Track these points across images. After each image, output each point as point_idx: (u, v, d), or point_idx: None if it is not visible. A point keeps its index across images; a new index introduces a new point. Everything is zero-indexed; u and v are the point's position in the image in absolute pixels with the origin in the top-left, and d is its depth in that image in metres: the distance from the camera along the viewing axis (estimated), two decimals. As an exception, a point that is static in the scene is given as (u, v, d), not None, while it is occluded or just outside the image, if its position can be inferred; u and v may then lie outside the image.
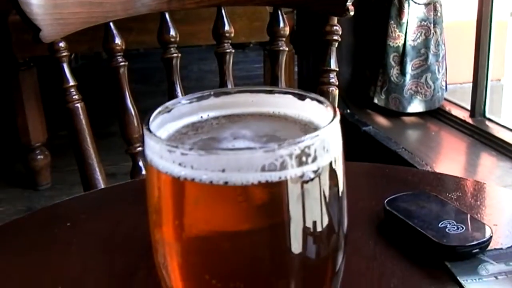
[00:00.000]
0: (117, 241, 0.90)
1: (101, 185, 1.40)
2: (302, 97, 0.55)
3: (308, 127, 0.54)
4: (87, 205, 1.05)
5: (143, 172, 1.48)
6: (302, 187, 0.47)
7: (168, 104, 0.55)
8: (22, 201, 3.44)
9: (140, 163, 1.49)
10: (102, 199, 1.07)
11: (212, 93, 0.56)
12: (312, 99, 0.54)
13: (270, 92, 0.57)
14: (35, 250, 0.89)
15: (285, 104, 0.56)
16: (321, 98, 0.54)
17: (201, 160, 0.45)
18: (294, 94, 0.55)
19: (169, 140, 0.52)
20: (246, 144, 0.51)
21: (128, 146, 1.48)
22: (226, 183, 0.45)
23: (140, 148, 1.48)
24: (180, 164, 0.46)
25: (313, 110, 0.54)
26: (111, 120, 3.65)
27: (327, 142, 0.48)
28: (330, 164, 0.49)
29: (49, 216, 1.00)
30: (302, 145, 0.46)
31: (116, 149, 3.23)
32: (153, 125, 0.51)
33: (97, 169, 1.41)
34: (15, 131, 3.42)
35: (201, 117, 0.56)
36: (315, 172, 0.47)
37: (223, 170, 0.45)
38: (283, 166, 0.45)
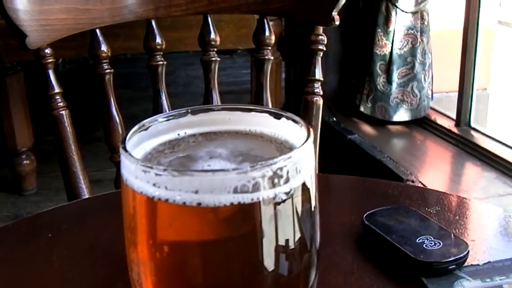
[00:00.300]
0: (98, 252, 0.90)
1: (85, 193, 1.40)
2: (278, 116, 0.56)
3: (284, 146, 0.54)
4: (69, 215, 1.05)
5: (127, 180, 1.48)
6: (274, 208, 0.47)
7: (145, 122, 0.55)
8: (7, 206, 3.43)
9: (124, 171, 1.48)
10: (84, 210, 1.08)
11: (189, 110, 0.57)
12: (288, 118, 0.55)
13: (247, 110, 0.57)
14: (16, 261, 0.89)
15: (262, 122, 0.56)
16: (297, 118, 0.54)
17: (175, 181, 0.45)
18: (270, 113, 0.56)
19: (144, 159, 0.53)
20: (221, 164, 0.51)
21: (112, 153, 1.49)
22: (199, 204, 0.45)
23: (124, 157, 1.48)
24: (154, 185, 0.46)
25: (288, 129, 0.55)
26: (98, 125, 3.63)
27: (300, 163, 0.48)
28: (303, 183, 0.49)
29: (31, 226, 1.00)
30: (275, 167, 0.46)
31: (102, 154, 3.21)
32: (129, 143, 0.52)
33: (81, 177, 1.41)
34: (1, 135, 3.41)
35: (178, 134, 0.56)
36: (287, 193, 0.47)
37: (196, 191, 0.45)
38: (255, 188, 0.46)
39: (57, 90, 1.39)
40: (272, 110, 0.56)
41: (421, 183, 2.78)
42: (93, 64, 1.45)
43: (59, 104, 1.39)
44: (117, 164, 1.48)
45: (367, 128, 3.50)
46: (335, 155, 3.30)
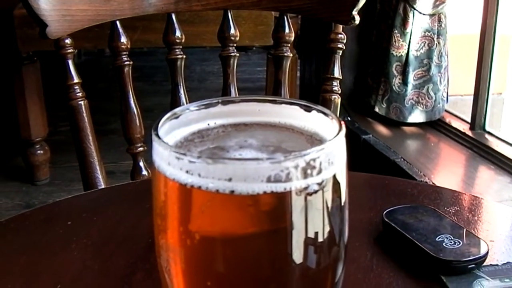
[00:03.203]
0: (117, 241, 0.91)
1: (101, 183, 1.41)
2: (308, 109, 0.56)
3: (314, 139, 0.54)
4: (88, 204, 1.05)
5: (143, 172, 1.49)
6: (306, 198, 0.47)
7: (176, 110, 0.55)
8: (19, 196, 3.45)
9: (141, 163, 1.49)
10: (102, 199, 1.08)
11: (220, 101, 0.57)
12: (318, 111, 0.55)
13: (277, 102, 0.57)
14: (36, 248, 0.90)
15: (291, 114, 0.56)
16: (327, 111, 0.54)
17: (209, 168, 0.46)
18: (300, 106, 0.56)
19: (176, 147, 0.53)
20: (252, 154, 0.51)
21: (129, 145, 1.49)
22: (232, 192, 0.45)
23: (141, 149, 1.48)
24: (187, 172, 0.46)
25: (318, 122, 0.55)
26: (112, 118, 3.67)
27: (332, 155, 0.48)
28: (334, 176, 0.49)
29: (50, 214, 1.01)
30: (308, 158, 0.46)
31: (116, 147, 3.25)
32: (161, 131, 0.52)
33: (97, 168, 1.42)
34: (16, 125, 3.42)
35: (208, 124, 0.57)
36: (319, 184, 0.48)
37: (230, 179, 0.45)
38: (288, 178, 0.46)
39: (76, 80, 1.40)
40: (302, 103, 0.56)
41: (434, 185, 2.78)
42: (112, 55, 1.46)
43: (77, 95, 1.40)
44: (134, 156, 1.49)
45: (382, 129, 3.50)
46: (349, 155, 3.28)
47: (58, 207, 1.05)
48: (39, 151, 3.50)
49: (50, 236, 0.93)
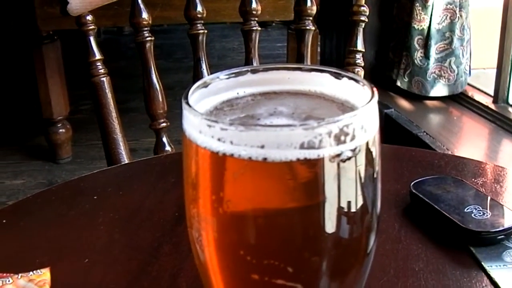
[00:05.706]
0: (143, 215, 0.91)
1: (125, 159, 1.41)
2: (338, 76, 0.55)
3: (345, 106, 0.54)
4: (113, 179, 1.05)
5: (167, 147, 1.49)
6: (339, 166, 0.47)
7: (206, 79, 0.55)
8: (42, 174, 3.47)
9: (164, 139, 1.49)
10: (128, 174, 1.08)
11: (249, 69, 0.56)
12: (349, 78, 0.54)
13: (307, 69, 0.57)
14: (62, 222, 0.90)
15: (322, 82, 0.56)
16: (358, 78, 0.54)
17: (241, 135, 0.45)
18: (331, 73, 0.55)
19: (207, 115, 0.53)
20: (283, 121, 0.51)
21: (152, 121, 1.49)
22: (265, 159, 0.45)
23: (164, 124, 1.48)
24: (219, 139, 0.46)
25: (349, 89, 0.54)
26: (131, 96, 3.67)
27: (366, 122, 0.48)
28: (367, 144, 0.49)
29: (76, 189, 1.01)
30: (341, 124, 0.46)
31: (136, 124, 3.26)
32: (191, 99, 0.51)
33: (121, 144, 1.42)
34: (38, 104, 3.44)
35: (238, 93, 0.56)
36: (352, 151, 0.47)
37: (262, 146, 0.45)
38: (321, 144, 0.45)
39: (98, 57, 1.40)
40: (333, 70, 0.55)
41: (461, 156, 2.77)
42: (134, 32, 1.45)
43: (100, 71, 1.40)
44: (157, 132, 1.49)
45: (404, 103, 3.48)
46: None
47: (83, 182, 1.05)
48: (61, 130, 3.52)
49: (77, 211, 0.93)
